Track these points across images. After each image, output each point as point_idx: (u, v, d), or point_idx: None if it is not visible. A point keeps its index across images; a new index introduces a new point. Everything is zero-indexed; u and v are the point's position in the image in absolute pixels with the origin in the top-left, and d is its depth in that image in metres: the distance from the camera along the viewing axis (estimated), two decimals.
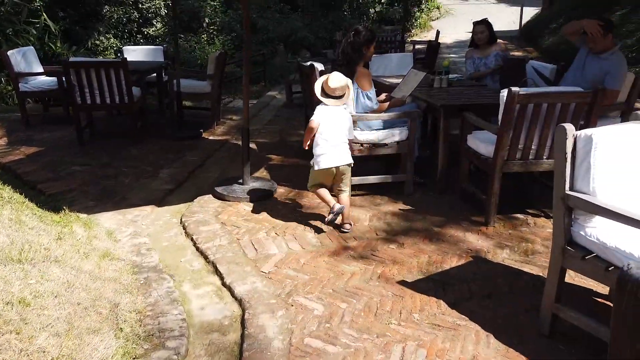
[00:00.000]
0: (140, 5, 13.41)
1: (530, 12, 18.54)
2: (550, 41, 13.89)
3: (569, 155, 1.98)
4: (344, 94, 3.28)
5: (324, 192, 3.35)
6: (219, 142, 5.61)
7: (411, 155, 3.84)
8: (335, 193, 3.37)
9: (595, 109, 3.11)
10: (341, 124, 3.27)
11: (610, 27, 3.92)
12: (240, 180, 3.99)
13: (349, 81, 3.35)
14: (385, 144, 3.80)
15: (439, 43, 7.51)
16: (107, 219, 3.50)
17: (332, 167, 3.25)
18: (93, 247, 2.99)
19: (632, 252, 1.84)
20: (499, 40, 5.12)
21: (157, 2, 12.71)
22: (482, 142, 3.47)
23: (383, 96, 4.24)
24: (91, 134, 5.67)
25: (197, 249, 3.10)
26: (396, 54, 6.17)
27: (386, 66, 5.92)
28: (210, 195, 3.90)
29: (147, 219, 3.55)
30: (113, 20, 13.91)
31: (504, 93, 3.12)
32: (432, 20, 20.25)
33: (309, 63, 4.69)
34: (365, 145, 3.77)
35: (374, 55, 5.91)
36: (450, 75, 5.03)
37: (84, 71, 5.01)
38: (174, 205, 3.81)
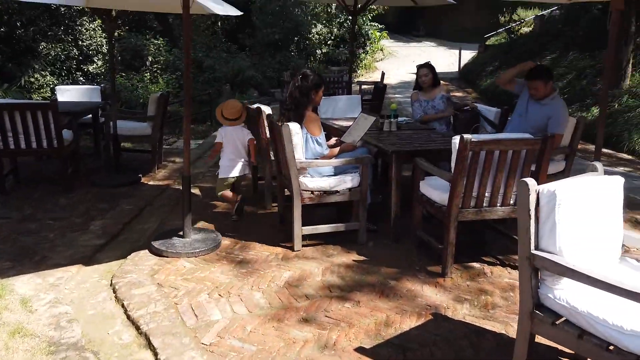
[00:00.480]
0: (80, 43, 12.91)
1: (467, 55, 19.56)
2: (487, 83, 14.57)
3: (532, 212, 1.86)
4: (240, 117, 4.18)
5: (227, 193, 4.26)
6: (160, 188, 5.24)
7: (364, 203, 3.68)
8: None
9: (546, 155, 3.10)
10: (239, 142, 4.21)
11: (550, 76, 4.04)
12: (181, 233, 3.66)
13: (242, 106, 4.23)
14: (337, 191, 3.62)
15: (385, 85, 7.59)
16: (24, 284, 3.06)
17: (230, 177, 4.23)
18: (2, 322, 2.56)
19: (606, 318, 1.71)
20: (442, 83, 5.19)
21: (99, 39, 12.28)
22: (434, 189, 3.37)
23: (333, 141, 4.10)
24: (15, 181, 5.15)
25: (129, 317, 2.73)
26: (344, 96, 6.13)
27: (334, 108, 5.84)
28: (147, 251, 3.54)
29: (72, 282, 3.14)
30: (50, 57, 13.30)
31: (456, 140, 3.05)
32: (377, 61, 20.90)
33: (255, 105, 4.51)
34: (315, 192, 3.58)
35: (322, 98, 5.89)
36: (399, 118, 5.00)
37: (7, 114, 4.57)
38: (104, 264, 3.41)
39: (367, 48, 18.02)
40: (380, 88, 7.61)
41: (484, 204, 3.19)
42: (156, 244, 3.53)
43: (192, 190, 5.12)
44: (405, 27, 30.59)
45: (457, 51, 19.60)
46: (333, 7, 17.75)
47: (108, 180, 5.24)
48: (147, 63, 11.30)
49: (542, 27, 15.95)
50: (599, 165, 2.17)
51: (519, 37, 17.06)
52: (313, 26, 16.15)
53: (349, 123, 4.71)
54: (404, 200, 3.77)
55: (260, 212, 4.46)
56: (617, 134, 8.12)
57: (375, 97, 7.80)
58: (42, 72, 12.99)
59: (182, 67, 11.16)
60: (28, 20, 13.73)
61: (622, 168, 6.49)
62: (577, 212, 1.89)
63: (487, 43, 19.35)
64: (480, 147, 2.99)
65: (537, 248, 1.88)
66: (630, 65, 9.35)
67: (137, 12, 17.53)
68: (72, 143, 5.14)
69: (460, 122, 4.69)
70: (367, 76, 18.02)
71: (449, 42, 26.34)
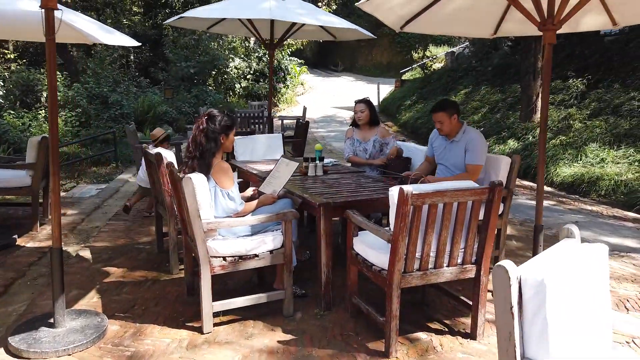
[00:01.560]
0: None
1: (385, 89, 19.99)
2: (406, 117, 14.78)
3: (515, 310, 1.36)
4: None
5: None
6: (39, 252, 4.28)
7: (289, 266, 3.08)
8: None
9: (495, 205, 2.71)
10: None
11: (455, 108, 3.82)
12: (52, 320, 2.82)
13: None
14: (255, 255, 2.99)
15: (307, 121, 7.16)
16: None
17: None
18: None
19: None
20: (381, 125, 4.77)
21: None
22: (371, 249, 2.85)
23: (250, 192, 3.49)
24: None
25: None
26: (264, 135, 5.57)
27: (252, 150, 5.25)
28: (2, 350, 2.65)
29: None
30: None
31: (394, 192, 2.57)
32: (298, 95, 20.76)
33: (155, 150, 3.80)
34: (229, 258, 2.92)
35: (237, 137, 5.26)
36: (325, 160, 4.51)
37: None
38: None
39: (288, 82, 17.77)
40: (302, 124, 7.16)
41: (429, 266, 2.72)
42: (15, 340, 2.66)
43: (82, 253, 4.25)
44: (323, 62, 31.10)
45: (375, 85, 19.98)
46: (251, 41, 17.40)
47: None
48: (42, 99, 10.05)
49: (454, 63, 16.65)
50: (574, 229, 1.75)
51: (432, 72, 17.70)
52: (231, 60, 15.62)
53: (270, 167, 4.14)
54: (336, 255, 3.23)
55: (163, 279, 3.69)
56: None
57: (298, 135, 7.32)
58: None
59: (83, 104, 10.07)
60: None
61: (547, 202, 6.46)
62: (568, 301, 1.43)
63: (403, 78, 19.93)
64: (422, 200, 2.53)
65: (523, 357, 1.38)
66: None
67: (36, 45, 16.01)
68: None
69: (391, 168, 4.30)
70: (288, 110, 17.72)
71: (366, 77, 27.04)
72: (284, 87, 17.44)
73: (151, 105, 11.63)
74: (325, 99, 20.07)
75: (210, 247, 2.88)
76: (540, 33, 3.33)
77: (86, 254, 4.27)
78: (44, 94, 9.98)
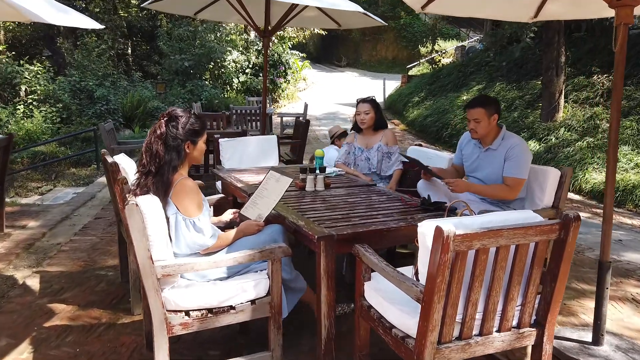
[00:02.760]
0: None
1: (391, 85, 19.15)
2: (414, 114, 13.97)
3: None
4: None
5: None
6: None
7: (277, 319, 2.29)
8: None
9: (570, 247, 1.90)
10: None
11: (495, 105, 3.08)
12: None
13: None
14: (231, 307, 2.20)
15: (308, 120, 6.34)
16: None
17: None
18: None
19: None
20: (389, 128, 3.97)
21: None
22: (390, 303, 2.06)
23: (229, 215, 2.69)
24: None
25: None
26: (256, 137, 4.76)
27: (242, 155, 4.45)
28: None
29: None
30: None
31: (426, 230, 1.78)
32: (300, 91, 19.94)
33: (112, 159, 3.00)
34: (193, 313, 2.13)
35: (224, 139, 4.47)
36: (328, 170, 3.72)
37: None
38: None
39: (289, 77, 16.95)
40: (302, 124, 6.35)
41: (474, 332, 1.92)
42: None
43: (29, 282, 3.46)
44: (326, 56, 30.23)
45: (381, 81, 19.16)
46: (252, 34, 16.59)
47: None
48: (22, 93, 9.28)
49: (464, 58, 15.81)
50: None
51: (441, 67, 16.84)
52: (228, 53, 14.80)
53: (261, 177, 3.35)
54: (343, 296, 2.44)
55: (120, 323, 2.90)
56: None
57: (298, 135, 6.52)
58: None
59: (65, 98, 9.29)
60: None
61: (583, 214, 5.65)
62: None
63: (410, 73, 19.09)
64: (469, 243, 1.73)
65: None
66: (562, 97, 8.91)
67: (28, 36, 15.23)
68: None
69: (409, 181, 3.52)
70: (289, 107, 16.92)
71: (371, 73, 26.19)
72: (285, 82, 16.62)
73: (141, 101, 10.84)
74: (328, 95, 19.25)
75: (168, 298, 2.09)
76: (609, 13, 2.54)
77: (34, 282, 3.49)
78: (23, 88, 9.20)
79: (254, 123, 9.98)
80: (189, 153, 2.29)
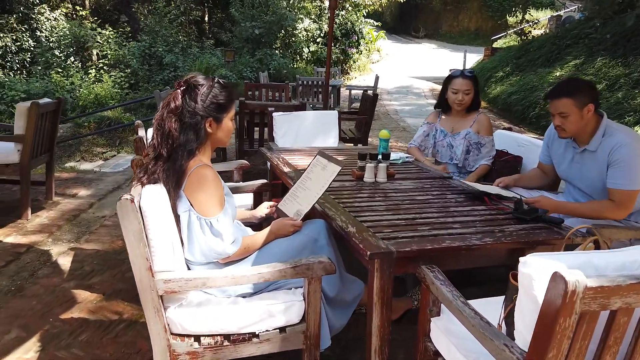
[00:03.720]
0: (38, 33, 10.83)
1: (472, 59, 17.72)
2: (497, 90, 12.72)
3: None
4: None
5: None
6: (14, 253, 3.31)
7: (314, 353, 1.78)
8: None
9: None
10: None
11: (589, 94, 2.26)
12: None
13: None
14: (253, 335, 1.71)
15: (376, 95, 5.67)
16: None
17: None
18: None
19: None
20: (481, 110, 3.23)
21: (61, 29, 10.12)
22: (467, 355, 1.47)
23: (263, 210, 2.19)
24: None
25: None
26: (314, 111, 4.21)
27: (298, 132, 3.93)
28: None
29: None
30: None
31: (535, 271, 1.16)
32: (372, 62, 19.04)
33: (140, 134, 2.59)
34: (205, 340, 1.66)
35: (279, 114, 3.96)
36: (393, 155, 3.11)
37: None
38: None
39: (361, 47, 16.11)
40: (369, 98, 5.70)
41: None
42: None
43: (61, 261, 3.19)
44: (403, 27, 28.77)
45: (460, 54, 17.78)
46: (326, 1, 15.87)
47: None
48: (94, 58, 9.35)
49: (559, 29, 14.13)
50: None
51: (531, 40, 15.21)
52: (300, 21, 14.23)
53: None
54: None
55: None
56: None
57: (364, 110, 5.89)
58: None
59: (134, 64, 9.23)
60: None
61: None
62: None
63: (494, 46, 17.53)
64: (605, 300, 1.09)
65: None
66: None
67: (106, 1, 15.58)
68: None
69: (495, 175, 2.83)
70: (360, 79, 16.15)
71: (451, 45, 24.56)
72: (357, 52, 15.81)
73: (209, 69, 10.63)
74: (402, 68, 18.20)
75: (173, 320, 1.63)
76: None
77: (66, 261, 3.24)
78: (95, 52, 9.25)
79: (321, 95, 9.45)
80: (210, 133, 1.79)
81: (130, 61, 9.20)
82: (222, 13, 16.23)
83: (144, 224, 1.54)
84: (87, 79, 8.82)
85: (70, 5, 13.53)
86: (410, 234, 1.88)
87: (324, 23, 15.25)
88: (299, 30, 14.36)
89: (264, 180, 2.69)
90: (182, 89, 1.75)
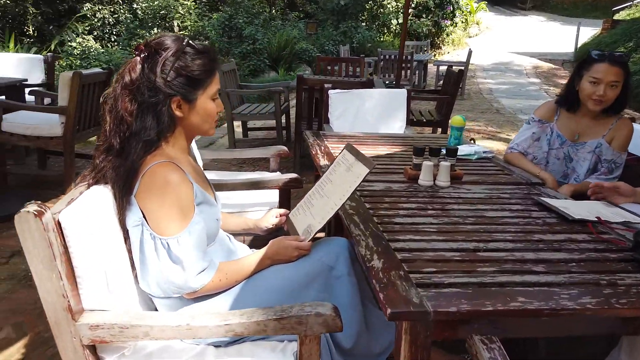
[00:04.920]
0: (134, 6, 11.12)
1: (587, 33, 15.56)
2: None
3: None
4: None
5: None
6: None
7: None
8: None
9: None
10: None
11: None
12: None
13: None
14: None
15: (461, 71, 4.83)
16: None
17: None
18: None
19: None
20: (623, 114, 2.27)
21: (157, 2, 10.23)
22: None
23: (271, 219, 1.66)
24: None
25: None
26: (379, 90, 3.56)
27: (357, 113, 3.34)
28: None
29: None
30: (95, 20, 11.86)
31: None
32: (469, 36, 17.50)
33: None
34: None
35: (335, 92, 3.39)
36: (464, 149, 2.42)
37: None
38: None
39: (457, 19, 14.77)
40: (454, 75, 4.90)
41: None
42: None
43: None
44: None
45: (572, 28, 15.67)
46: None
47: None
48: (175, 29, 9.33)
49: None
50: None
51: None
52: None
53: (377, 149, 2.29)
54: None
55: None
56: None
57: (446, 89, 5.10)
58: (85, 37, 11.61)
59: (212, 35, 9.06)
60: None
61: None
62: None
63: (615, 18, 15.22)
64: None
65: None
66: None
67: None
68: None
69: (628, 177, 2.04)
70: (453, 54, 14.88)
71: (562, 17, 21.94)
72: (451, 25, 14.51)
73: (289, 41, 10.21)
74: (502, 42, 16.50)
75: None
76: None
77: None
78: (175, 23, 9.21)
79: (405, 72, 8.65)
80: (180, 118, 1.29)
81: (209, 32, 9.04)
82: None
83: (65, 244, 1.09)
84: None
85: None
86: (464, 278, 1.26)
87: None
88: (388, 1, 13.43)
89: (294, 175, 2.17)
90: (142, 55, 1.26)
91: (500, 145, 5.76)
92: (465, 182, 2.06)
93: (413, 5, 13.99)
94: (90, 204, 1.17)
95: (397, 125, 3.38)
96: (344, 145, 1.62)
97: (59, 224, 1.09)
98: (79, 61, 8.59)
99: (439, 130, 4.95)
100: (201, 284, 1.25)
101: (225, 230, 1.60)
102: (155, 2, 9.53)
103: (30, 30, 12.33)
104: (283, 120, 5.21)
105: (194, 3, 9.69)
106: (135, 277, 1.27)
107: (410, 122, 4.87)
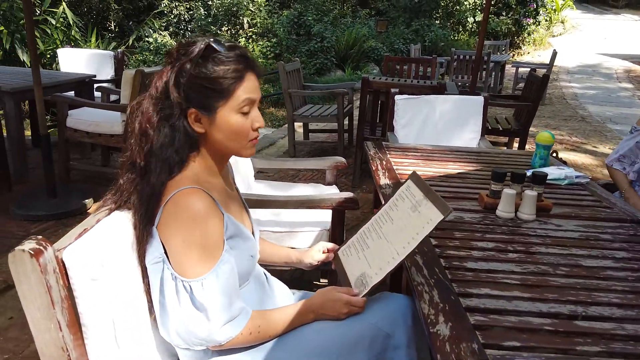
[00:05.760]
0: (209, 2, 11.36)
1: None
2: None
3: None
4: None
5: None
6: None
7: None
8: None
9: None
10: None
11: None
12: None
13: None
14: None
15: (546, 76, 4.33)
16: None
17: None
18: None
19: None
20: None
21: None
22: None
23: (318, 254, 1.43)
24: None
25: None
26: (452, 96, 3.21)
27: (426, 122, 3.03)
28: None
29: None
30: (172, 16, 12.26)
31: None
32: (553, 36, 16.32)
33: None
34: None
35: (402, 97, 3.10)
36: (553, 171, 2.07)
37: None
38: None
39: (540, 18, 13.78)
40: (537, 80, 4.43)
41: None
42: None
43: None
44: None
45: None
46: None
47: (30, 207, 3.27)
48: (245, 25, 9.36)
49: None
50: None
51: None
52: None
53: (447, 166, 2.03)
54: None
55: None
56: None
57: (528, 95, 4.63)
58: (161, 33, 12.04)
59: (281, 33, 8.98)
60: None
61: None
62: None
63: None
64: None
65: None
66: None
67: None
68: None
69: None
70: (534, 55, 13.92)
71: None
72: (534, 23, 13.55)
73: (357, 39, 9.94)
74: (590, 43, 15.23)
75: None
76: None
77: None
78: (245, 20, 9.23)
79: (480, 73, 8.12)
80: (202, 134, 1.09)
81: (277, 30, 8.97)
82: None
83: (69, 286, 0.93)
84: None
85: None
86: (559, 359, 0.96)
87: None
88: None
89: (349, 195, 1.92)
90: (171, 60, 1.07)
91: (586, 158, 5.18)
92: (554, 215, 1.73)
93: (493, 2, 13.21)
94: (103, 238, 1.00)
95: (470, 136, 3.04)
96: (409, 173, 1.34)
97: (62, 263, 0.93)
98: (152, 56, 8.83)
99: (516, 141, 4.50)
100: (228, 337, 1.04)
101: (264, 261, 1.40)
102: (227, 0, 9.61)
103: (112, 25, 12.98)
104: (346, 123, 4.98)
105: (264, 0, 9.67)
106: (154, 321, 1.09)
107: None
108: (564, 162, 4.51)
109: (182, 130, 1.06)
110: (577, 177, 2.06)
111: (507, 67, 9.96)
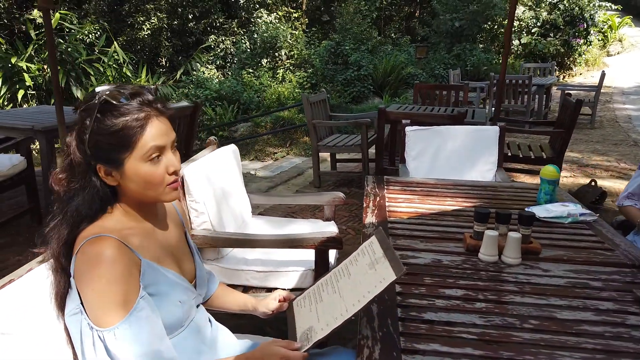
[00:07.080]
0: (255, 36, 11.87)
1: None
2: None
3: None
4: None
5: None
6: None
7: None
8: None
9: None
10: None
11: None
12: None
13: None
14: None
15: (580, 101, 4.07)
16: None
17: None
18: None
19: None
20: None
21: (279, 30, 10.75)
22: None
23: (272, 302, 1.38)
24: None
25: None
26: (463, 127, 3.10)
27: (436, 153, 2.94)
28: None
29: None
30: (218, 50, 12.84)
31: None
32: (608, 55, 15.55)
33: (185, 170, 2.06)
34: None
35: (412, 128, 3.03)
36: (557, 209, 1.94)
37: None
38: None
39: (592, 37, 13.20)
40: (571, 105, 4.19)
41: None
42: None
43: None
44: None
45: None
46: None
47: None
48: (283, 58, 9.60)
49: None
50: None
51: None
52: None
53: (445, 202, 1.96)
54: None
55: None
56: None
57: (563, 120, 4.39)
58: (208, 66, 12.60)
59: (317, 63, 9.13)
60: (200, 13, 13.52)
61: None
62: None
63: None
64: None
65: None
66: None
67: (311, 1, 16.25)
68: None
69: None
70: (587, 75, 13.29)
71: None
72: (584, 43, 13.00)
73: (395, 67, 9.92)
74: None
75: None
76: None
77: None
78: (283, 52, 9.47)
79: (522, 97, 7.84)
80: (117, 186, 1.09)
81: (314, 60, 9.13)
82: (416, 6, 15.33)
83: None
84: (274, 79, 9.08)
85: (286, 9, 14.47)
86: None
87: (542, 10, 12.95)
88: None
89: (333, 233, 1.87)
90: (80, 110, 1.08)
91: None
92: (544, 258, 1.59)
93: (539, 24, 12.83)
94: (26, 290, 1.01)
95: (485, 169, 2.90)
96: (374, 233, 1.28)
97: None
98: (194, 90, 9.20)
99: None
100: None
101: (219, 307, 1.38)
102: (267, 33, 9.92)
103: (163, 61, 13.72)
104: (372, 152, 4.93)
105: (302, 33, 9.91)
106: None
107: (512, 160, 4.27)
108: (603, 193, 4.19)
109: (91, 184, 1.06)
110: (581, 214, 1.91)
111: (553, 89, 9.55)
